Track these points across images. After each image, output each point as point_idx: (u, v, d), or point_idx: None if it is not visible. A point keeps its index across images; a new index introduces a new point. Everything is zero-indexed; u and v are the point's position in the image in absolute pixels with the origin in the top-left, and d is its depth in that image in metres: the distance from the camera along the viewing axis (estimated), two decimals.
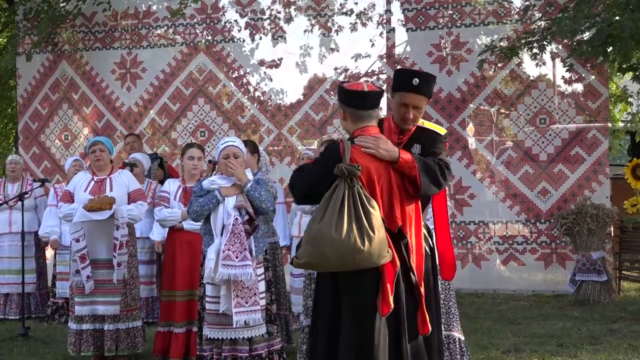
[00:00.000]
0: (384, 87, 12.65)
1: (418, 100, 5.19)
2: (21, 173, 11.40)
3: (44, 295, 11.15)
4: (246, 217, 6.66)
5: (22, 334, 9.27)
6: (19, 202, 10.28)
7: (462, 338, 6.93)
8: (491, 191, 12.22)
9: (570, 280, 11.10)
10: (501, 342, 8.38)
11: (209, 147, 13.05)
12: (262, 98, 13.20)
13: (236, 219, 6.58)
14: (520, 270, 12.01)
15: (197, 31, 13.44)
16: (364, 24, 12.81)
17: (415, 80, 5.14)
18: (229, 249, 6.48)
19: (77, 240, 7.73)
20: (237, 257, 6.47)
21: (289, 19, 13.05)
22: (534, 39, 11.07)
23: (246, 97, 13.28)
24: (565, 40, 11.39)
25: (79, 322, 7.93)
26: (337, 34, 12.92)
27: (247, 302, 6.55)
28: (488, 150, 12.34)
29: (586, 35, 10.44)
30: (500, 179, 12.15)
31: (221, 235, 6.59)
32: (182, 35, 13.52)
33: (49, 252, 11.13)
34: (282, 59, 13.16)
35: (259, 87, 13.26)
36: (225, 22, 13.34)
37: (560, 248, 11.72)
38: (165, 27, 13.63)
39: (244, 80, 13.31)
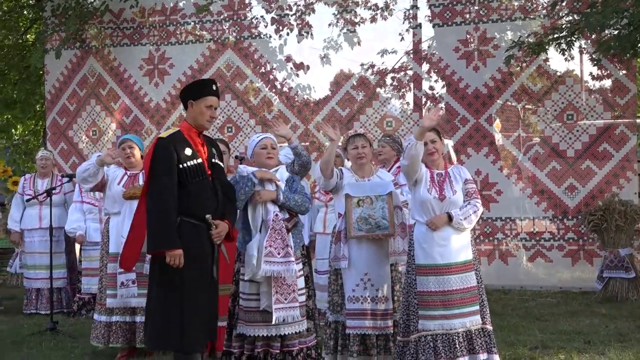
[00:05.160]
0: (411, 85, 12.68)
1: (217, 101, 6.39)
2: (52, 169, 11.48)
3: (75, 290, 11.22)
4: (286, 215, 6.68)
5: (50, 328, 9.35)
6: (49, 198, 10.38)
7: (492, 329, 6.94)
8: (518, 187, 12.19)
9: (598, 277, 11.04)
10: (528, 339, 8.37)
11: (235, 142, 13.11)
12: (289, 94, 13.23)
13: (276, 215, 6.59)
14: (548, 266, 11.97)
15: (224, 27, 13.49)
16: (384, 18, 12.85)
17: (214, 86, 6.36)
18: (270, 245, 6.47)
19: None
20: (279, 254, 6.47)
21: (312, 12, 13.08)
22: (561, 34, 11.01)
23: (273, 92, 13.32)
24: (593, 36, 11.34)
25: (109, 314, 8.06)
26: (360, 26, 12.96)
27: (285, 299, 6.55)
28: (515, 147, 12.32)
29: (615, 31, 10.36)
30: (527, 175, 12.11)
31: (260, 231, 6.57)
32: (210, 31, 13.58)
33: (77, 247, 11.21)
34: (309, 66, 13.25)
35: (286, 82, 13.30)
36: (251, 18, 13.38)
37: (588, 245, 11.68)
38: (193, 24, 13.69)
39: (271, 76, 13.35)
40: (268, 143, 6.80)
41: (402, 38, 12.77)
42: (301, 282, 6.70)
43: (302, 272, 6.75)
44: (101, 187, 8.27)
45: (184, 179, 6.07)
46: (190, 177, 6.10)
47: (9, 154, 17.75)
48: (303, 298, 6.69)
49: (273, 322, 6.50)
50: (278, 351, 6.62)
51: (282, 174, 6.82)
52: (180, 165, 6.09)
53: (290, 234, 6.63)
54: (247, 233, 6.67)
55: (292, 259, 6.52)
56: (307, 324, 6.73)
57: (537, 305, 10.70)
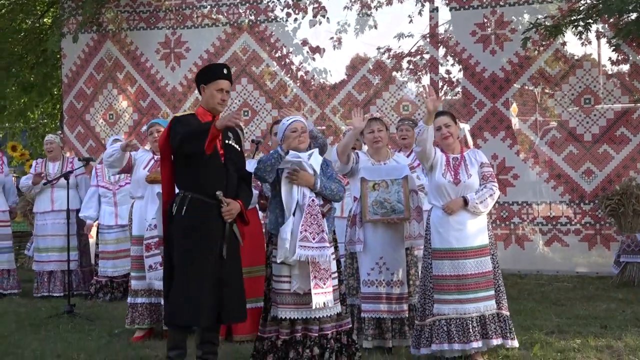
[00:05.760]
0: (427, 68, 12.64)
1: (228, 85, 6.51)
2: (60, 152, 11.49)
3: (86, 273, 11.28)
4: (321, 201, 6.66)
5: (67, 311, 9.38)
6: (61, 181, 10.46)
7: (508, 314, 6.94)
8: (535, 172, 12.15)
9: (615, 262, 11.00)
10: (544, 324, 8.35)
11: (252, 126, 13.13)
12: (305, 78, 13.22)
13: (312, 200, 6.56)
14: (564, 251, 11.94)
15: (240, 11, 13.47)
16: (400, 1, 12.81)
17: (225, 70, 6.49)
18: (305, 230, 6.43)
19: (156, 227, 7.82)
20: (314, 239, 6.45)
21: None
22: (579, 17, 10.93)
23: (289, 76, 13.31)
24: (611, 20, 11.26)
25: (133, 296, 8.23)
26: (377, 10, 12.90)
27: (324, 284, 6.54)
28: (532, 131, 12.27)
29: (633, 15, 10.29)
30: (544, 160, 12.07)
31: (293, 215, 6.53)
32: (226, 15, 13.56)
33: (94, 231, 11.29)
34: (325, 48, 13.18)
35: (302, 66, 13.28)
36: (267, 2, 13.36)
37: (605, 229, 11.63)
38: (209, 7, 13.68)
39: (287, 60, 13.34)
40: (298, 126, 6.74)
41: (411, 20, 12.67)
42: (334, 266, 6.68)
43: (334, 256, 6.73)
44: (128, 169, 8.39)
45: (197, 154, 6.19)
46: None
47: (27, 137, 17.83)
48: (336, 282, 6.67)
49: (313, 307, 6.48)
50: (317, 335, 6.58)
51: (316, 158, 6.74)
52: None
53: (324, 219, 6.61)
54: (281, 215, 6.62)
55: (327, 244, 6.50)
56: (339, 308, 6.69)
57: (554, 290, 10.68)
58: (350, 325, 6.87)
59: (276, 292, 6.62)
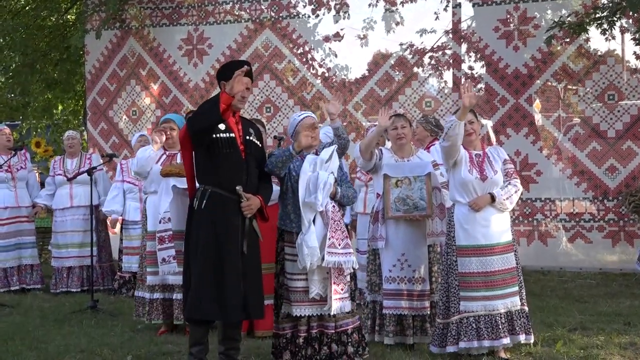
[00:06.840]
0: (450, 64, 12.60)
1: (249, 82, 6.50)
2: (79, 148, 11.52)
3: (106, 268, 11.33)
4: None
5: (91, 306, 9.46)
6: (79, 177, 10.51)
7: (527, 310, 6.95)
8: (558, 168, 12.09)
9: (638, 259, 10.92)
10: (567, 320, 8.33)
11: (274, 122, 13.14)
12: (327, 74, 13.20)
13: (333, 206, 6.58)
14: (587, 248, 11.87)
15: (263, 7, 13.48)
16: None
17: (246, 67, 6.35)
18: (332, 237, 6.46)
19: (169, 220, 7.82)
20: (339, 245, 6.48)
21: None
22: (603, 14, 10.85)
23: (311, 72, 13.30)
24: (635, 15, 11.18)
25: (150, 292, 8.26)
26: (402, 5, 12.83)
27: (342, 289, 6.57)
28: (555, 127, 12.20)
29: None
30: (567, 156, 12.01)
31: (314, 222, 6.52)
32: (248, 11, 13.58)
33: (117, 227, 11.33)
34: (343, 29, 13.11)
35: (324, 62, 13.25)
36: None
37: (629, 226, 11.56)
38: (231, 3, 13.69)
39: (309, 56, 13.32)
40: (311, 122, 6.76)
41: (437, 17, 12.62)
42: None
43: None
44: None
45: (217, 148, 6.26)
46: (222, 147, 6.26)
47: (50, 133, 17.91)
48: (347, 278, 6.68)
49: (332, 313, 6.51)
50: (333, 331, 6.60)
51: (335, 161, 6.71)
52: (214, 136, 6.27)
53: None
54: (293, 212, 6.61)
55: (351, 250, 6.54)
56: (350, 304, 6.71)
57: (577, 287, 10.65)
58: (359, 322, 6.88)
59: (289, 289, 6.63)
